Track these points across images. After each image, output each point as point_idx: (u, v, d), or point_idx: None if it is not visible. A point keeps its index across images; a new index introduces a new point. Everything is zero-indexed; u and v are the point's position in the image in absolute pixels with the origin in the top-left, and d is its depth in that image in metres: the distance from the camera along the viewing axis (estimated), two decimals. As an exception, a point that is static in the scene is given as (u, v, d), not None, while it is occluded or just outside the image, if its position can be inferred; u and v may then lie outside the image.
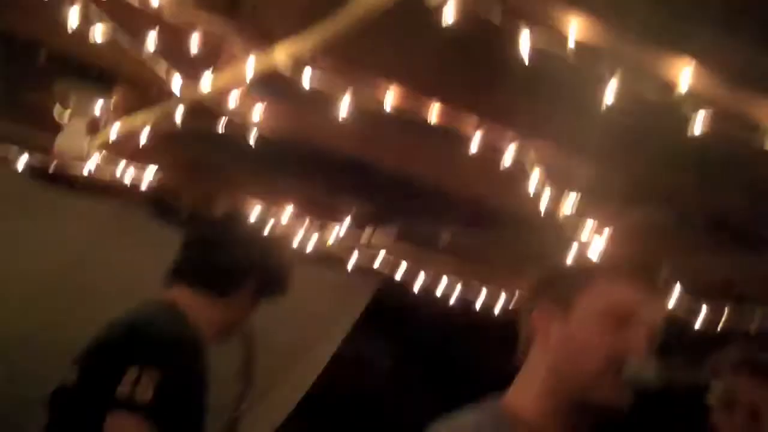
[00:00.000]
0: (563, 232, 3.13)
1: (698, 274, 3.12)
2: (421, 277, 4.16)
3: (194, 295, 2.41)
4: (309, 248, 3.87)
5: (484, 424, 1.57)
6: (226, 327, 2.48)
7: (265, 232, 2.76)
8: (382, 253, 4.11)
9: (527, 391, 1.62)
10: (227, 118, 2.98)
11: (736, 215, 3.05)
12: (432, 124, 2.71)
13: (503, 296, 4.20)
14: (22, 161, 3.42)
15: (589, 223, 3.11)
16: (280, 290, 2.55)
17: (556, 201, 2.97)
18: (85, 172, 3.39)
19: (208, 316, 2.41)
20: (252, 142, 3.00)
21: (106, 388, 2.10)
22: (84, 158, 3.23)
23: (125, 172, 3.50)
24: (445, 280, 4.16)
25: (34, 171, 3.50)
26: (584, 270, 1.72)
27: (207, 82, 2.62)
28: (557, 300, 1.64)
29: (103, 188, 3.73)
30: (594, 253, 2.99)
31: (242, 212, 2.93)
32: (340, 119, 2.54)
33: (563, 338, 1.61)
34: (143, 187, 3.55)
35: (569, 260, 3.21)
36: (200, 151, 3.38)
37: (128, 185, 3.56)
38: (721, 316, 3.40)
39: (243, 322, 2.53)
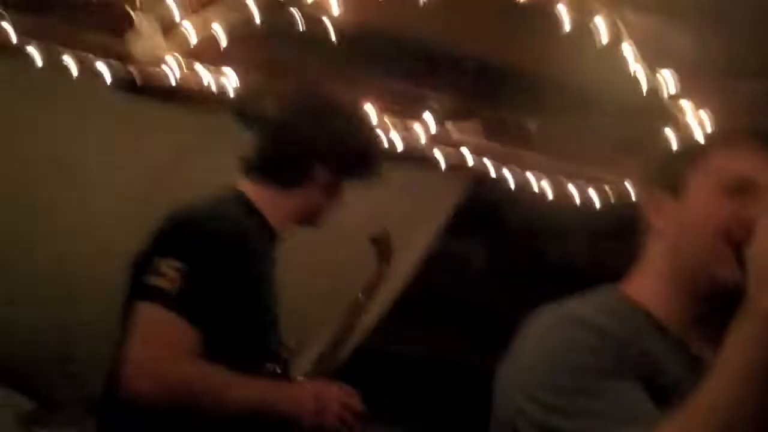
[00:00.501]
0: (663, 112, 2.97)
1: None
2: (512, 173, 4.04)
3: (262, 187, 2.30)
4: (396, 145, 3.79)
5: (603, 308, 1.47)
6: (306, 215, 2.37)
7: (340, 113, 2.42)
8: (469, 149, 4.01)
9: (645, 281, 1.53)
10: (304, 12, 2.88)
11: None
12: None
13: (600, 188, 4.06)
14: (106, 73, 3.37)
15: (689, 102, 2.93)
16: (367, 171, 2.37)
17: (653, 79, 2.79)
18: (171, 80, 3.35)
19: (280, 206, 2.31)
20: (333, 37, 2.91)
21: (141, 278, 2.08)
22: (160, 61, 3.18)
23: (207, 77, 3.45)
24: (536, 174, 4.04)
25: (119, 82, 3.46)
26: (693, 147, 1.61)
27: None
28: (668, 184, 1.54)
29: (188, 96, 3.70)
30: (700, 132, 2.82)
31: (314, 94, 2.54)
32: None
33: (678, 222, 1.50)
34: (228, 92, 3.50)
35: (673, 143, 3.07)
36: (280, 49, 3.30)
37: (213, 91, 3.52)
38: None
39: (329, 207, 2.38)
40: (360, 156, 2.35)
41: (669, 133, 3.01)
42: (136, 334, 2.01)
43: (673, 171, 1.55)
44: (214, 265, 2.08)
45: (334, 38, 2.92)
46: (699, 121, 2.85)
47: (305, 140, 2.30)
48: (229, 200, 2.28)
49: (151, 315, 2.02)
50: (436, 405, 5.22)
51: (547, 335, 1.44)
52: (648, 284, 1.52)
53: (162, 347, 2.00)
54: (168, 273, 2.03)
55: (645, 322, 1.48)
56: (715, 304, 1.46)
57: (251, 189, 2.30)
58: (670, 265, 1.51)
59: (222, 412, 2.04)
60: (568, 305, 1.48)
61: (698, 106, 2.86)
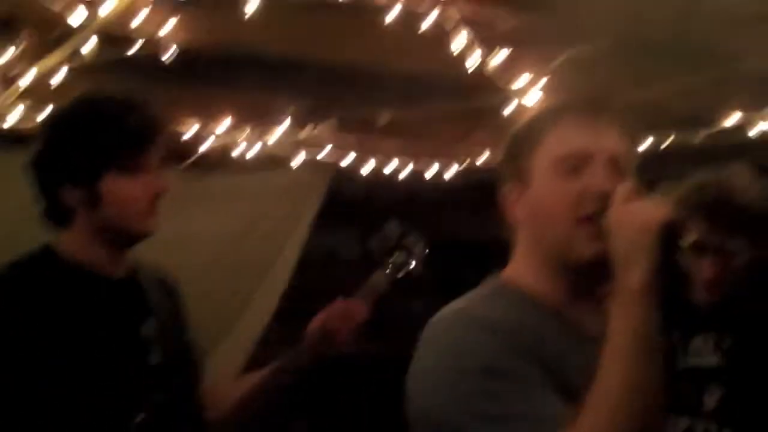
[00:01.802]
0: (500, 90, 3.11)
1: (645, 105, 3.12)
2: (371, 163, 4.17)
3: (60, 231, 1.99)
4: (253, 154, 3.84)
5: (494, 300, 1.54)
6: (114, 238, 2.00)
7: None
8: (328, 146, 4.11)
9: (521, 267, 1.59)
10: (141, 39, 2.89)
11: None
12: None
13: (455, 166, 4.23)
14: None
15: (525, 76, 3.08)
16: (152, 139, 1.98)
17: (486, 59, 2.92)
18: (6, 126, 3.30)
19: (81, 245, 1.98)
20: (170, 58, 2.92)
21: None
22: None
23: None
24: (394, 161, 4.18)
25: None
26: (528, 134, 1.61)
27: (108, 7, 2.54)
28: (516, 175, 1.59)
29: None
30: (534, 104, 2.98)
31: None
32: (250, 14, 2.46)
33: (531, 208, 1.56)
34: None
35: (514, 122, 3.22)
36: (123, 80, 3.27)
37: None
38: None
39: (135, 211, 1.97)
40: (102, 150, 1.95)
41: (509, 108, 3.17)
42: None
43: (516, 162, 1.59)
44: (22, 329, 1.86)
45: (168, 60, 2.90)
46: (533, 95, 3.00)
47: (43, 172, 1.96)
48: (30, 260, 1.99)
49: None
50: (331, 398, 5.24)
51: (446, 338, 1.48)
52: (524, 269, 1.58)
53: None
54: None
55: (530, 305, 1.54)
56: (588, 276, 1.52)
57: (58, 237, 2.01)
58: (536, 250, 1.56)
59: None
60: (460, 305, 1.53)
61: (532, 81, 3.01)
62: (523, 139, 1.61)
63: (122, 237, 2.00)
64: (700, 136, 3.56)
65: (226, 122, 3.63)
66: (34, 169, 1.97)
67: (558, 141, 1.54)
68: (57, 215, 1.98)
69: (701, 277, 2.24)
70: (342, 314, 2.22)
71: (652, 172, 1.66)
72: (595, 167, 1.51)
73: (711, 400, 2.28)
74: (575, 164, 1.52)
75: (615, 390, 1.34)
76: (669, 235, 1.39)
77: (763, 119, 3.51)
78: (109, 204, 1.95)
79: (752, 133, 3.56)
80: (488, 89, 3.22)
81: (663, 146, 3.57)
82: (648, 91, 3.23)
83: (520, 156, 1.59)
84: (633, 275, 1.38)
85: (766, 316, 2.34)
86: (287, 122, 3.76)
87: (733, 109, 3.51)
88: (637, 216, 1.40)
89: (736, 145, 3.61)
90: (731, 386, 2.25)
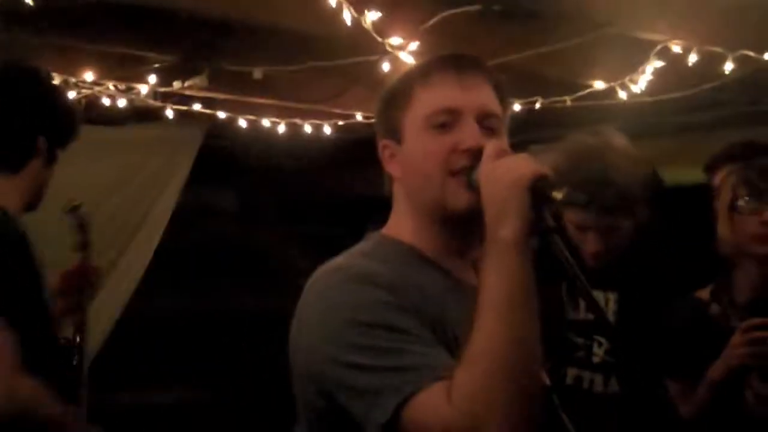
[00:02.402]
0: (376, 47, 3.11)
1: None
2: (247, 118, 4.12)
3: None
4: (124, 108, 3.73)
5: (375, 253, 1.55)
6: (33, 196, 2.21)
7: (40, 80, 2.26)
8: (201, 100, 4.03)
9: (401, 222, 1.62)
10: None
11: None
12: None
13: (329, 123, 4.23)
14: None
15: (400, 35, 3.08)
16: (74, 136, 2.25)
17: (362, 16, 2.91)
18: None
19: (9, 195, 2.14)
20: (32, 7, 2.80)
21: None
22: None
23: None
24: (270, 117, 4.14)
25: None
26: (398, 90, 1.62)
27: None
28: (389, 131, 1.61)
29: None
30: (409, 64, 2.99)
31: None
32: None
33: (405, 163, 1.59)
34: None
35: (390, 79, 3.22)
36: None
37: None
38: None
39: (48, 182, 2.23)
40: (69, 121, 2.23)
41: (384, 65, 3.17)
42: None
43: (389, 119, 1.62)
44: None
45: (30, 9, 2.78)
46: (408, 56, 3.01)
47: (24, 114, 2.16)
48: None
49: None
50: (217, 359, 5.20)
51: (327, 294, 1.48)
52: (403, 223, 1.61)
53: None
54: None
55: (411, 258, 1.56)
56: (464, 229, 1.56)
57: None
58: (412, 204, 1.60)
59: None
60: (341, 260, 1.54)
61: (406, 39, 3.01)
62: (394, 97, 1.62)
63: (36, 198, 2.20)
64: (568, 100, 3.65)
65: (90, 75, 3.50)
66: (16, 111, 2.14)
67: (428, 98, 1.57)
68: (18, 159, 2.13)
69: (586, 250, 2.35)
70: (79, 273, 2.42)
71: (522, 135, 1.68)
72: (465, 123, 1.54)
73: (598, 352, 2.39)
74: (445, 120, 1.55)
75: (490, 342, 1.35)
76: (539, 190, 1.41)
77: (631, 83, 3.61)
78: (51, 167, 2.19)
79: (619, 97, 3.67)
80: (364, 46, 3.21)
81: (532, 109, 3.64)
82: (518, 54, 3.27)
83: (392, 113, 1.61)
84: (505, 229, 1.40)
85: (647, 276, 2.47)
86: (156, 75, 3.65)
87: (600, 73, 3.59)
88: (508, 171, 1.43)
89: (604, 108, 3.72)
90: (616, 340, 2.36)
